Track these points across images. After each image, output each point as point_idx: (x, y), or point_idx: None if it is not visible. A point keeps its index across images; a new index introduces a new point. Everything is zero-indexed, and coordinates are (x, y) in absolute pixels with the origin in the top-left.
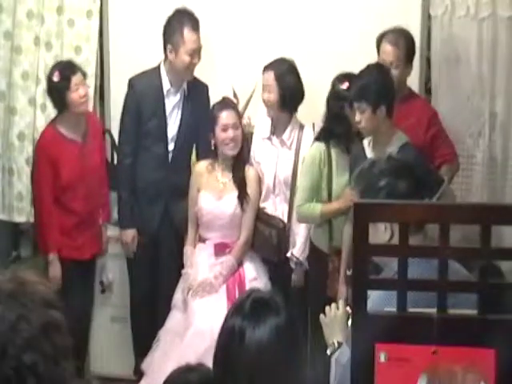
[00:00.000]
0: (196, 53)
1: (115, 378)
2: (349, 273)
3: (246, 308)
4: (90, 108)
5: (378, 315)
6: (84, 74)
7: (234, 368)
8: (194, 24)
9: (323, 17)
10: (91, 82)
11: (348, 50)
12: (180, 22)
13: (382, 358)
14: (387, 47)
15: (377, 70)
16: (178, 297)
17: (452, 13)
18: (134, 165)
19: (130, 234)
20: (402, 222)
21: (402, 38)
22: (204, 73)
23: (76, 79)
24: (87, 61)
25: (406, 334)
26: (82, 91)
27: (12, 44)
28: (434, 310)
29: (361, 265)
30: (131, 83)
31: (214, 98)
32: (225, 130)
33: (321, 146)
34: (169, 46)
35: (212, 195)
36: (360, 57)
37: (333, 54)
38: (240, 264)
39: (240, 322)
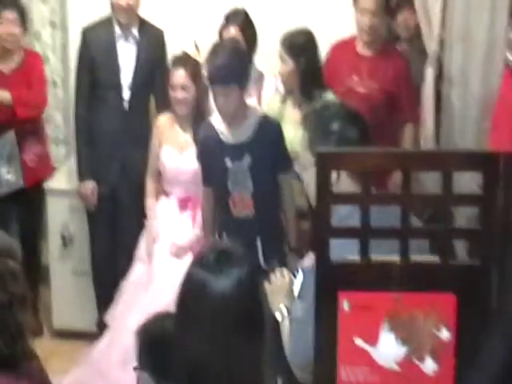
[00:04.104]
0: None
1: (78, 332)
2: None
3: (209, 259)
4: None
5: (340, 263)
6: (22, 16)
7: (195, 318)
8: None
9: None
10: (57, 32)
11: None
12: None
13: (345, 305)
14: None
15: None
16: (141, 249)
17: None
18: (90, 116)
19: (89, 185)
20: (363, 170)
21: None
22: (165, 21)
23: (8, 15)
24: (54, 10)
25: (368, 281)
26: (9, 29)
27: None
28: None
29: (323, 213)
30: (84, 34)
31: (176, 47)
32: (173, 89)
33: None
34: None
35: (174, 150)
36: (322, 6)
37: (295, 5)
38: None
39: (202, 273)
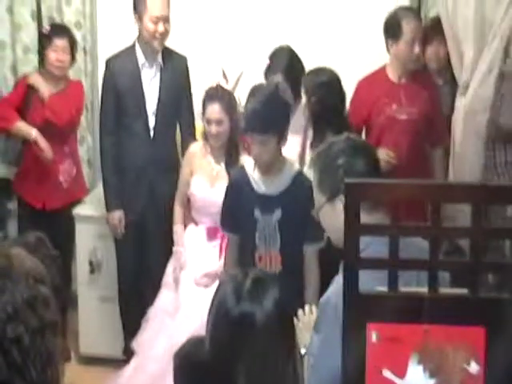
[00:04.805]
0: (160, 20)
1: (104, 358)
2: None
3: (246, 289)
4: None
5: (369, 295)
6: (72, 44)
7: (245, 348)
8: None
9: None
10: (88, 58)
11: (340, 28)
12: None
13: (374, 337)
14: (413, 23)
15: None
16: (168, 275)
17: None
18: (115, 145)
19: (117, 215)
20: (393, 201)
21: (415, 12)
22: (193, 49)
23: (59, 42)
24: (85, 37)
25: (397, 313)
26: (60, 56)
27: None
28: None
29: (352, 244)
30: (107, 63)
31: (202, 74)
32: (208, 123)
33: None
34: (135, 15)
35: (205, 181)
36: (351, 34)
37: (326, 36)
38: None
39: (245, 306)
